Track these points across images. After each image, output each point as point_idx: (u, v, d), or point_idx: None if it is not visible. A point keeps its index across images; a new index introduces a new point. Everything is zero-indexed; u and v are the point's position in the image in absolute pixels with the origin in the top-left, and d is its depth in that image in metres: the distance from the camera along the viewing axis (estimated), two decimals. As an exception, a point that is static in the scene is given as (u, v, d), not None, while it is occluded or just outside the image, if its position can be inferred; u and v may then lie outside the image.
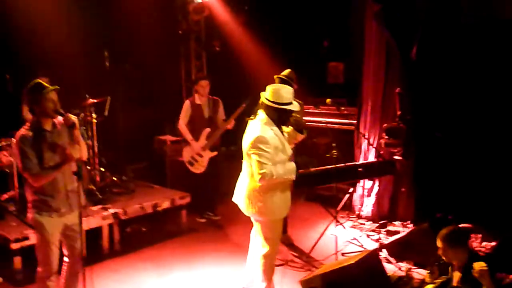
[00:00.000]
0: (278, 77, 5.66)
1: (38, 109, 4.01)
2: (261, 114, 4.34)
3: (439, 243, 4.16)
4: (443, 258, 4.21)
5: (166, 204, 6.46)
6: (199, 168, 6.70)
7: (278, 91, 4.27)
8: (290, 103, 4.28)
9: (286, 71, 5.71)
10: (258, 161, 4.14)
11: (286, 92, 4.29)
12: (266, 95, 4.29)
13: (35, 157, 3.95)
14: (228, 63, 8.46)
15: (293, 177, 4.30)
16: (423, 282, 4.91)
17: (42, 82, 4.04)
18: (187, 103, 6.81)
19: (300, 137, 4.57)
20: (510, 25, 5.59)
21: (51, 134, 4.07)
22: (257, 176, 4.14)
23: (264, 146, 4.15)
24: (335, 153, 5.24)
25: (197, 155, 6.70)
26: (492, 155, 5.77)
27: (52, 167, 4.00)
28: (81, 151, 4.10)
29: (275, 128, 4.29)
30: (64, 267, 4.34)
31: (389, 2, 6.15)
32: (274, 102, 4.24)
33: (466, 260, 4.04)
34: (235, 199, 4.59)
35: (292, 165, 4.29)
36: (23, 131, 4.00)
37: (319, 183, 6.21)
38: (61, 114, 4.04)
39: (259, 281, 4.57)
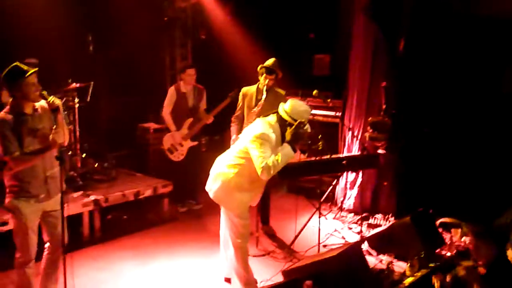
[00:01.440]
0: (262, 67, 5.65)
1: (19, 94, 3.91)
2: (272, 118, 4.39)
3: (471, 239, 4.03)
4: (473, 254, 4.02)
5: (148, 192, 6.40)
6: (178, 156, 6.68)
7: (298, 108, 4.32)
8: (304, 123, 4.31)
9: (270, 61, 5.70)
10: (259, 156, 4.15)
11: (305, 112, 4.33)
12: (285, 107, 4.34)
13: (16, 140, 3.87)
14: (213, 52, 8.39)
15: (292, 157, 4.27)
16: (403, 275, 4.96)
17: (19, 65, 3.92)
18: (172, 90, 6.75)
19: (300, 156, 4.59)
20: (497, 22, 5.62)
21: (32, 118, 3.97)
22: (259, 169, 4.15)
23: (266, 143, 4.19)
24: (321, 145, 5.22)
25: (178, 144, 6.66)
26: (474, 150, 5.83)
27: (34, 151, 3.92)
28: (64, 136, 4.02)
29: (277, 134, 4.32)
30: (45, 253, 4.28)
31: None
32: (290, 116, 4.28)
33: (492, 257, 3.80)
34: (208, 185, 4.61)
35: (288, 148, 4.23)
36: (2, 114, 3.91)
37: (302, 174, 6.19)
38: (44, 98, 3.95)
39: (238, 272, 4.59)
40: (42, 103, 4.03)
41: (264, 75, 5.63)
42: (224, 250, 4.79)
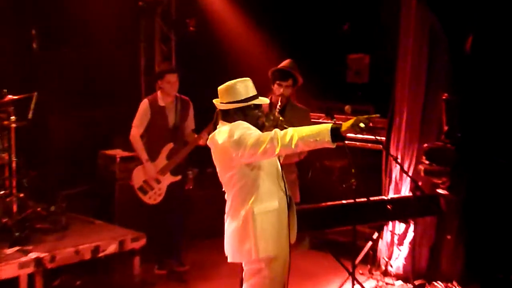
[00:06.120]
0: (274, 71, 5.72)
1: None
2: (222, 126, 4.29)
3: None
4: None
5: (112, 248, 6.42)
6: (153, 197, 6.73)
7: (231, 88, 4.24)
8: (254, 97, 4.26)
9: (285, 62, 5.82)
10: (245, 134, 3.98)
11: (242, 85, 4.26)
12: (220, 99, 4.29)
13: None
14: (206, 50, 8.51)
15: (327, 139, 3.75)
16: None
17: None
18: (145, 104, 6.80)
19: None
20: None
21: None
22: (256, 147, 3.90)
23: (246, 127, 4.07)
24: (353, 182, 5.23)
25: (153, 180, 6.68)
26: None
27: None
28: None
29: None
30: None
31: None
32: (231, 102, 4.21)
33: None
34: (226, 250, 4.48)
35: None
36: None
37: (330, 225, 6.19)
38: None
39: None
40: None
41: (277, 81, 5.69)
42: None
